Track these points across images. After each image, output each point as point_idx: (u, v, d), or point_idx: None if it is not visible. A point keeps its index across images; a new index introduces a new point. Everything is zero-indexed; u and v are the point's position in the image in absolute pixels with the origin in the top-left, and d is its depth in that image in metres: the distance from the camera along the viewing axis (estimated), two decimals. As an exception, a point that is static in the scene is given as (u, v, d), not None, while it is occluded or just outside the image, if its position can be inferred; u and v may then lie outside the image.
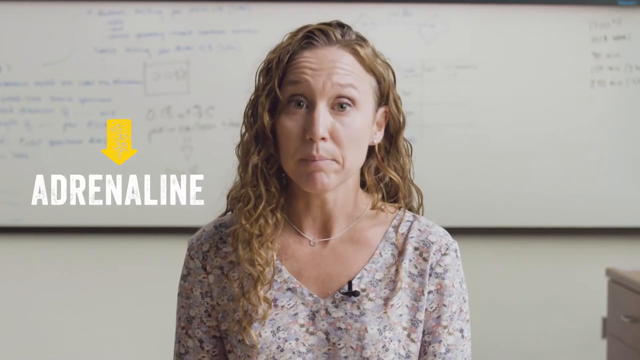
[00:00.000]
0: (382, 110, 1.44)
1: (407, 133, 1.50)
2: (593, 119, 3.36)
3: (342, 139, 1.37)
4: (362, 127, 1.40)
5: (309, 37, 1.40)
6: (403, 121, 1.47)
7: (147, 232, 3.35)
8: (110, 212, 3.30)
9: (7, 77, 3.31)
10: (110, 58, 3.31)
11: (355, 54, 1.40)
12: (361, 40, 1.43)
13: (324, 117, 1.36)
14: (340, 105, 1.37)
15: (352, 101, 1.38)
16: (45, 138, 3.32)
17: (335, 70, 1.37)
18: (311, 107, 1.37)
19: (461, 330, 1.45)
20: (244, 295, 1.40)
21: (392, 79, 1.45)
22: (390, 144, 1.47)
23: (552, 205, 3.36)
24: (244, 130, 1.44)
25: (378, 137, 1.45)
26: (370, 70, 1.42)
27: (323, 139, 1.36)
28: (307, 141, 1.36)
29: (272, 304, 1.41)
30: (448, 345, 1.43)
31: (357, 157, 1.40)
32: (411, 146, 1.50)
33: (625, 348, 2.82)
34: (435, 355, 1.43)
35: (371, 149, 1.46)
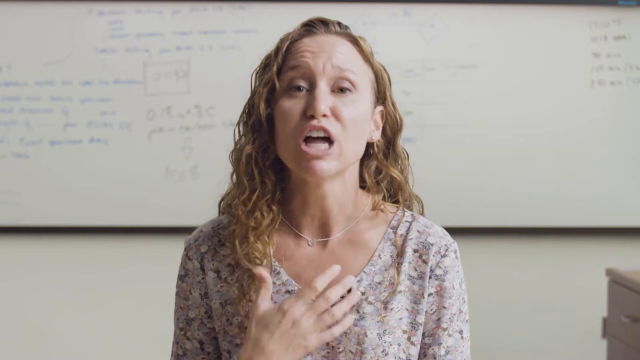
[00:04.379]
0: (379, 109, 1.44)
1: (406, 133, 1.49)
2: (593, 119, 3.35)
3: (344, 117, 1.36)
4: (362, 111, 1.39)
5: (308, 26, 1.41)
6: (400, 123, 1.46)
7: (147, 232, 3.34)
8: (110, 212, 3.30)
9: (7, 77, 3.31)
10: (110, 58, 3.30)
11: (354, 42, 1.42)
12: (359, 37, 1.44)
13: (325, 95, 1.36)
14: (340, 88, 1.37)
15: (352, 84, 1.38)
16: (45, 138, 3.32)
17: (334, 53, 1.38)
18: (312, 87, 1.37)
19: (460, 332, 1.45)
20: (245, 297, 1.39)
21: (388, 81, 1.45)
22: (389, 147, 1.47)
23: (552, 205, 3.35)
24: (239, 132, 1.43)
25: (376, 135, 1.44)
26: (369, 61, 1.42)
27: (324, 115, 1.35)
28: (307, 118, 1.35)
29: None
30: (448, 347, 1.43)
31: (355, 145, 1.39)
32: (408, 153, 1.50)
33: (625, 348, 2.82)
34: (435, 358, 1.42)
35: (370, 152, 1.45)
